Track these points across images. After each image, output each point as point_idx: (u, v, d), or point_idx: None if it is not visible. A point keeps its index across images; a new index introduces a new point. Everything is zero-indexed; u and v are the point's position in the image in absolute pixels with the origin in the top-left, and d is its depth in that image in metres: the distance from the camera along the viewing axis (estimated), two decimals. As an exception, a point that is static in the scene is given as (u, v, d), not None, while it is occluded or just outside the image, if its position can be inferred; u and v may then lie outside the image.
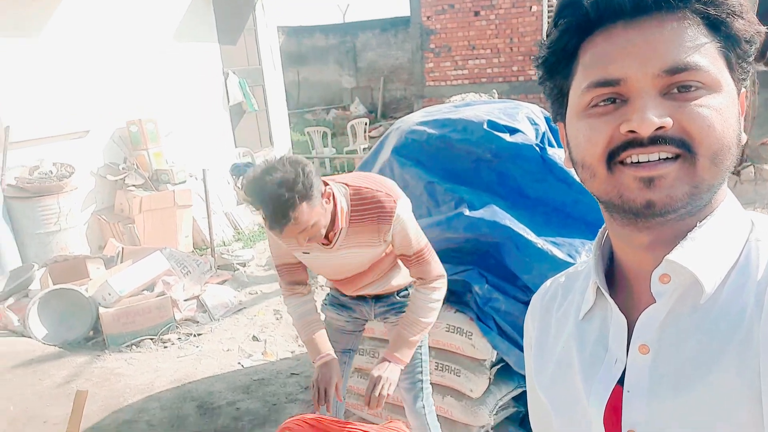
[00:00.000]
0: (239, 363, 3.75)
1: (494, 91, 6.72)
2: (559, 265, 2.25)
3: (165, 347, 4.03)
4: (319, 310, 2.05)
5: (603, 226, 0.70)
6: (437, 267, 1.88)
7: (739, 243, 0.61)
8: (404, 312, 1.93)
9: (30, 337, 4.11)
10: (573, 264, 2.51)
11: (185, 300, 4.57)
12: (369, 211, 1.72)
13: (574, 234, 2.33)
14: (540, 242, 2.29)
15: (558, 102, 0.67)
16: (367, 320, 2.19)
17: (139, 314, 4.13)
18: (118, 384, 3.52)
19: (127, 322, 4.08)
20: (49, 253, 5.15)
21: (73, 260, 4.82)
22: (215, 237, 6.04)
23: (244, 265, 5.42)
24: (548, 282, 0.81)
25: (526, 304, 2.42)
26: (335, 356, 1.89)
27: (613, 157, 0.59)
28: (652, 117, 0.55)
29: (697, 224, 0.60)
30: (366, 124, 10.11)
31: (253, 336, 4.10)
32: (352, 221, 1.74)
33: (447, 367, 2.45)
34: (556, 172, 2.46)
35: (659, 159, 0.57)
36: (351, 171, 3.21)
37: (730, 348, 0.56)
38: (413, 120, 2.93)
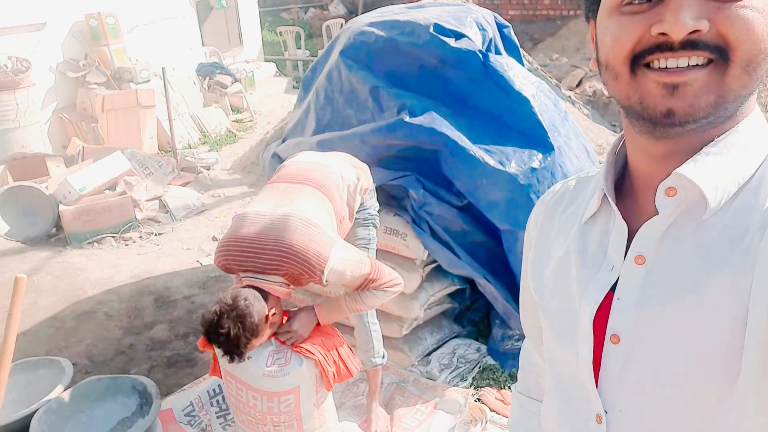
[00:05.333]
0: (198, 261, 3.88)
1: (471, -7, 6.47)
2: (490, 172, 2.33)
3: (126, 245, 4.14)
4: None
5: (621, 133, 0.66)
6: (388, 282, 1.87)
7: (756, 162, 0.57)
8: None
9: (-8, 233, 4.17)
10: (503, 171, 2.56)
11: (147, 200, 4.62)
12: (303, 271, 1.71)
13: (506, 142, 2.38)
14: (473, 149, 2.34)
15: None
16: None
17: (100, 213, 4.19)
18: (78, 278, 3.65)
19: (88, 220, 4.15)
20: (9, 150, 5.10)
21: (32, 158, 4.79)
22: (181, 139, 6.00)
23: (208, 169, 5.43)
24: (557, 185, 0.78)
25: (459, 208, 2.52)
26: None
27: (638, 60, 0.54)
28: (686, 19, 0.50)
29: (716, 138, 0.56)
30: (342, 25, 9.73)
31: (213, 236, 4.21)
32: (292, 282, 1.77)
33: (383, 266, 2.58)
34: (496, 79, 2.47)
35: (688, 65, 0.52)
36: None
37: (726, 266, 0.54)
38: (363, 21, 2.87)
